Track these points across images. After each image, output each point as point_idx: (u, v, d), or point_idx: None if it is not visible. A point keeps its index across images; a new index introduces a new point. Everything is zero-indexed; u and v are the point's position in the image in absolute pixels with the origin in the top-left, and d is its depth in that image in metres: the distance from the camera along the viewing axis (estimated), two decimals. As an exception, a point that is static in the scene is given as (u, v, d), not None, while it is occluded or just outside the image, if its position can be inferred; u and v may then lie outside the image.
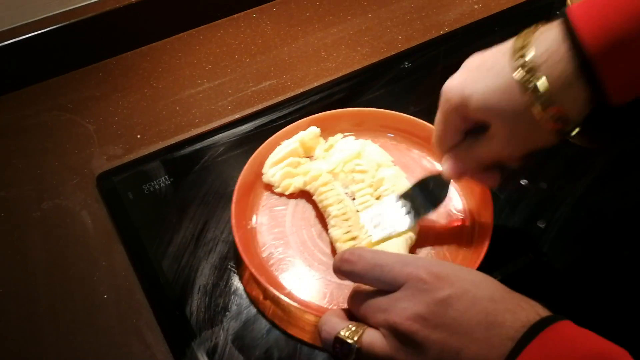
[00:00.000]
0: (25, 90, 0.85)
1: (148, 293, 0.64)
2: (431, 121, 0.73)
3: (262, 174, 0.69)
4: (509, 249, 0.65)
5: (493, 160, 0.56)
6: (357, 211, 0.65)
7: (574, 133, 0.50)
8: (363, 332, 0.47)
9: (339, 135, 0.72)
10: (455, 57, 0.87)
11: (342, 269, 0.50)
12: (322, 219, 0.67)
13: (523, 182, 0.71)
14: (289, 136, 0.71)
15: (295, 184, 0.68)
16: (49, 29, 0.82)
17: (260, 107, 0.81)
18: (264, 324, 0.60)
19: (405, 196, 0.63)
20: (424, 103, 0.81)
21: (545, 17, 0.92)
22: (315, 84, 0.84)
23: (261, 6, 0.96)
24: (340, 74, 0.86)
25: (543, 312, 0.44)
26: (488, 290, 0.45)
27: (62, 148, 0.78)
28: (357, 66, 0.87)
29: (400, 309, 0.45)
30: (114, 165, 0.75)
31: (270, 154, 0.70)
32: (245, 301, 0.62)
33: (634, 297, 0.62)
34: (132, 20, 0.87)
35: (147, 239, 0.68)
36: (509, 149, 0.53)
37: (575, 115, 0.48)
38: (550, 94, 0.47)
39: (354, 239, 0.62)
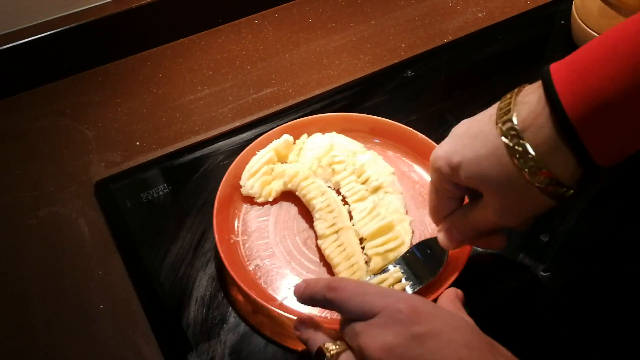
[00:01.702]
0: (23, 94, 0.84)
1: (144, 304, 0.63)
2: (432, 130, 0.73)
3: (241, 187, 0.68)
4: (511, 262, 0.65)
5: (491, 229, 0.54)
6: (347, 204, 0.66)
7: (569, 193, 0.47)
8: (342, 351, 0.47)
9: (304, 136, 0.72)
10: (459, 65, 0.87)
11: (328, 297, 0.48)
12: (305, 224, 0.67)
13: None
14: (263, 146, 0.70)
15: (275, 188, 0.68)
16: (48, 33, 0.82)
17: (261, 114, 0.81)
18: (262, 337, 0.59)
19: (404, 261, 0.60)
20: (426, 111, 0.81)
21: (548, 26, 0.92)
22: (317, 92, 0.83)
23: (263, 12, 0.96)
24: (343, 81, 0.85)
25: None
26: (465, 336, 0.43)
27: (60, 154, 0.78)
28: (359, 74, 0.86)
29: (373, 335, 0.44)
30: (112, 172, 0.75)
31: (245, 165, 0.69)
32: (243, 314, 0.61)
33: (638, 311, 0.61)
34: (133, 25, 0.87)
35: (144, 249, 0.67)
36: (505, 218, 0.50)
37: (567, 178, 0.46)
38: (537, 159, 0.45)
39: (337, 232, 0.62)
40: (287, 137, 0.70)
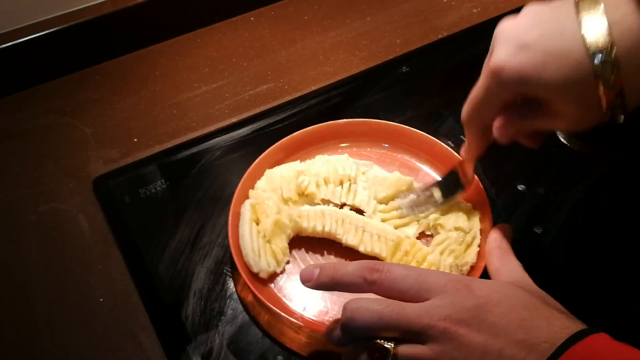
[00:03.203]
0: (22, 93, 0.85)
1: (144, 297, 0.64)
2: (428, 125, 0.74)
3: (258, 273, 0.61)
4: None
5: (549, 131, 0.55)
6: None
7: (620, 118, 0.46)
8: (399, 343, 0.47)
9: (250, 196, 0.66)
10: (454, 61, 0.88)
11: (370, 278, 0.48)
12: (326, 258, 0.65)
13: (520, 187, 0.71)
14: (236, 216, 0.64)
15: (285, 245, 0.64)
16: (46, 32, 0.82)
17: (257, 110, 0.81)
18: (259, 328, 0.60)
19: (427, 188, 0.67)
20: (421, 107, 0.82)
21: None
22: (313, 88, 0.84)
23: (259, 9, 0.96)
24: (338, 78, 0.86)
25: (576, 324, 0.45)
26: (522, 301, 0.46)
27: (59, 151, 0.78)
28: (355, 70, 0.87)
29: (443, 314, 0.45)
30: (111, 168, 0.75)
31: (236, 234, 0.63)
32: (240, 306, 0.62)
33: (631, 302, 0.61)
34: (130, 23, 0.88)
35: (143, 243, 0.68)
36: (573, 126, 0.49)
37: (633, 94, 0.45)
38: (619, 69, 0.44)
39: (364, 229, 0.63)
40: (250, 202, 0.65)
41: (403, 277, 0.48)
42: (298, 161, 0.70)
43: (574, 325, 0.45)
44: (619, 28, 0.44)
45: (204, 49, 0.91)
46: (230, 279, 0.64)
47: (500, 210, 0.68)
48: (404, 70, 0.86)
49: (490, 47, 0.52)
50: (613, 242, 0.66)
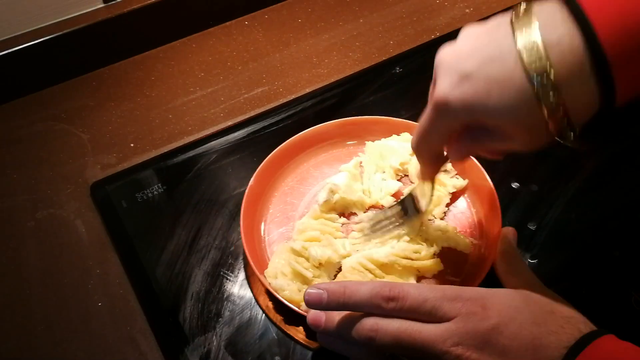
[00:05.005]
0: (19, 100, 0.86)
1: (142, 300, 0.64)
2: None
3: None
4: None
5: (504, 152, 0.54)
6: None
7: (572, 137, 0.46)
8: None
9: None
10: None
11: (387, 307, 0.49)
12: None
13: (514, 185, 0.71)
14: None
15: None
16: (42, 39, 0.83)
17: (252, 113, 0.82)
18: (256, 329, 0.61)
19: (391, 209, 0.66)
20: (415, 108, 0.81)
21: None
22: (307, 90, 0.85)
23: (253, 13, 0.97)
24: (332, 79, 0.86)
25: (585, 328, 0.47)
26: (531, 314, 0.48)
27: (56, 157, 0.79)
28: (348, 72, 0.87)
29: (457, 341, 0.47)
30: (108, 174, 0.76)
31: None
32: (237, 307, 0.62)
33: (624, 297, 0.62)
34: (125, 29, 0.88)
35: (140, 247, 0.68)
36: (526, 147, 0.49)
37: (579, 114, 0.45)
38: (559, 95, 0.44)
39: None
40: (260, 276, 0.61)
41: (419, 304, 0.48)
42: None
43: (578, 333, 0.46)
44: (558, 50, 0.43)
45: (198, 54, 0.91)
46: (228, 280, 0.64)
47: (495, 208, 0.69)
48: (398, 71, 0.87)
49: (433, 77, 0.51)
50: (606, 238, 0.67)
